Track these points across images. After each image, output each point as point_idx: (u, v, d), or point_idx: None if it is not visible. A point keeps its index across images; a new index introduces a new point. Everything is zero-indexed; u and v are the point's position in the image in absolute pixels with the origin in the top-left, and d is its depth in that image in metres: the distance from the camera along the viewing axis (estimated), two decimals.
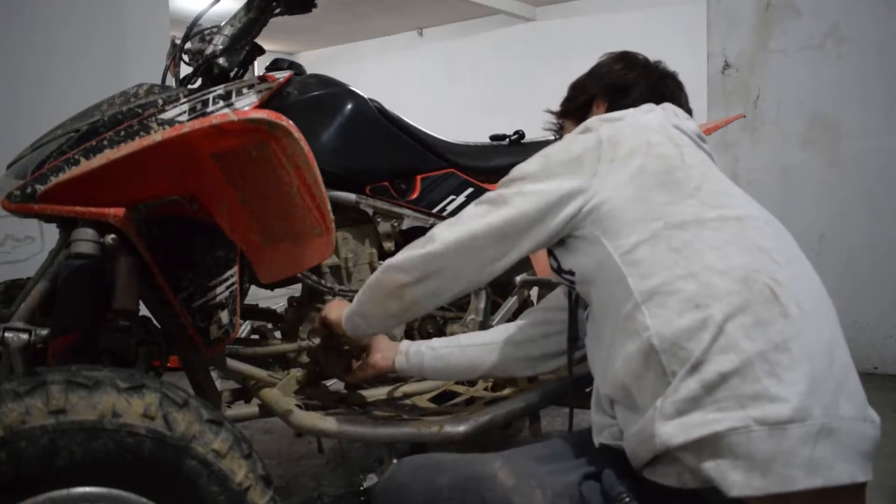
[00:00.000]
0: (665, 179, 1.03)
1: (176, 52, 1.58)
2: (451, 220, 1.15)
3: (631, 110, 1.16)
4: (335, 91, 1.61)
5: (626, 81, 1.28)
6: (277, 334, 1.71)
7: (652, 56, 1.33)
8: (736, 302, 0.91)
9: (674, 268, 0.95)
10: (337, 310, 1.38)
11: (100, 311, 1.26)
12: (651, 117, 1.15)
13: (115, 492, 0.98)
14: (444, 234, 1.12)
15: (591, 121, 1.13)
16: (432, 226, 1.72)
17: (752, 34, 3.22)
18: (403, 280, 1.15)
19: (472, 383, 1.74)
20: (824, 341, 0.93)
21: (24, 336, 1.17)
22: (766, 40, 3.18)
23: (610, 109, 1.23)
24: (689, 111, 1.26)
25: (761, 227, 1.02)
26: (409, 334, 1.81)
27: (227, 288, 1.36)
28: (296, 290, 1.71)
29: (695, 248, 0.96)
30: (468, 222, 1.11)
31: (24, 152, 1.34)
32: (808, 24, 3.09)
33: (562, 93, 1.38)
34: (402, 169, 1.70)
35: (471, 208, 1.13)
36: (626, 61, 1.31)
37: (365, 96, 1.66)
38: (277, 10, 1.41)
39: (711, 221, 1.00)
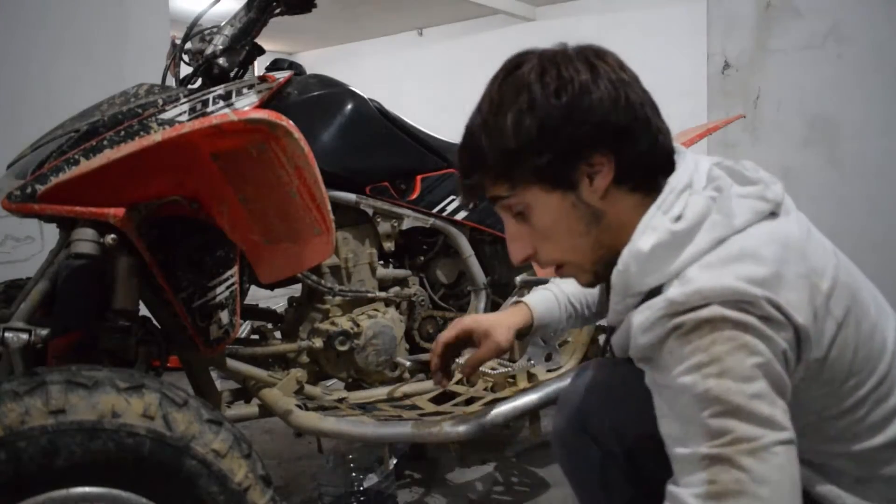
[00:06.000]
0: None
1: (176, 52, 1.58)
2: None
3: (738, 236, 0.79)
4: (335, 91, 1.61)
5: (627, 112, 0.83)
6: (277, 334, 1.71)
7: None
8: None
9: None
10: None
11: (100, 311, 1.26)
12: (787, 227, 0.82)
13: (114, 492, 0.98)
14: None
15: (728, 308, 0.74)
16: (432, 226, 1.72)
17: (752, 34, 3.21)
18: None
19: (472, 383, 1.74)
20: None
21: (24, 336, 1.17)
22: (766, 40, 3.18)
23: (619, 177, 0.85)
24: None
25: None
26: (409, 334, 1.81)
27: (227, 288, 1.36)
28: (296, 290, 1.71)
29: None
30: None
31: (24, 152, 1.34)
32: (808, 24, 3.08)
33: None
34: (402, 169, 1.70)
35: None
36: (581, 70, 0.83)
37: (365, 96, 1.66)
38: (277, 10, 1.41)
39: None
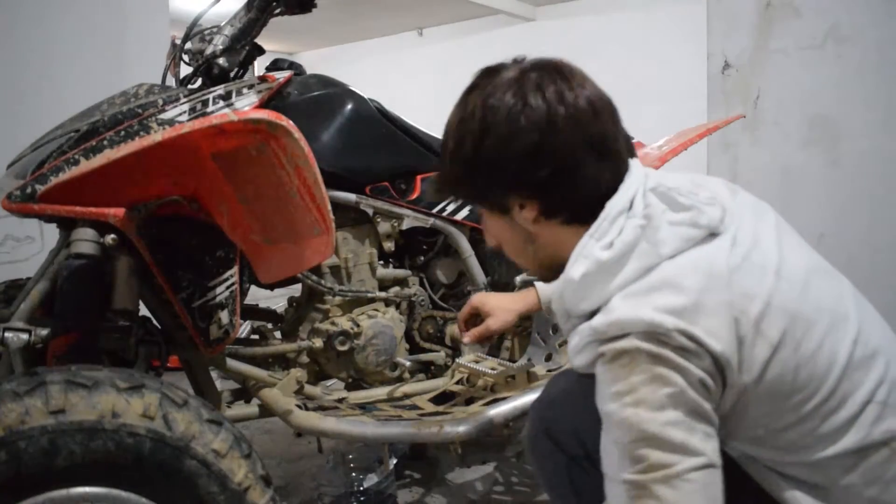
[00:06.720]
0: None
1: (176, 52, 1.58)
2: None
3: (662, 270, 0.81)
4: (335, 91, 1.61)
5: (547, 164, 0.85)
6: (277, 334, 1.71)
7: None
8: None
9: None
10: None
11: (100, 311, 1.26)
12: (701, 260, 0.81)
13: (114, 492, 0.98)
14: None
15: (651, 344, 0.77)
16: (432, 226, 1.73)
17: (752, 34, 3.21)
18: None
19: (472, 383, 1.74)
20: None
21: (24, 336, 1.17)
22: (766, 40, 3.18)
23: (545, 214, 0.90)
24: (628, 138, 0.92)
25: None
26: (409, 334, 1.81)
27: (227, 288, 1.36)
28: (296, 290, 1.71)
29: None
30: None
31: (24, 152, 1.34)
32: (808, 24, 3.08)
33: None
34: (402, 169, 1.70)
35: None
36: (521, 127, 0.85)
37: (365, 96, 1.66)
38: (277, 10, 1.41)
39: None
